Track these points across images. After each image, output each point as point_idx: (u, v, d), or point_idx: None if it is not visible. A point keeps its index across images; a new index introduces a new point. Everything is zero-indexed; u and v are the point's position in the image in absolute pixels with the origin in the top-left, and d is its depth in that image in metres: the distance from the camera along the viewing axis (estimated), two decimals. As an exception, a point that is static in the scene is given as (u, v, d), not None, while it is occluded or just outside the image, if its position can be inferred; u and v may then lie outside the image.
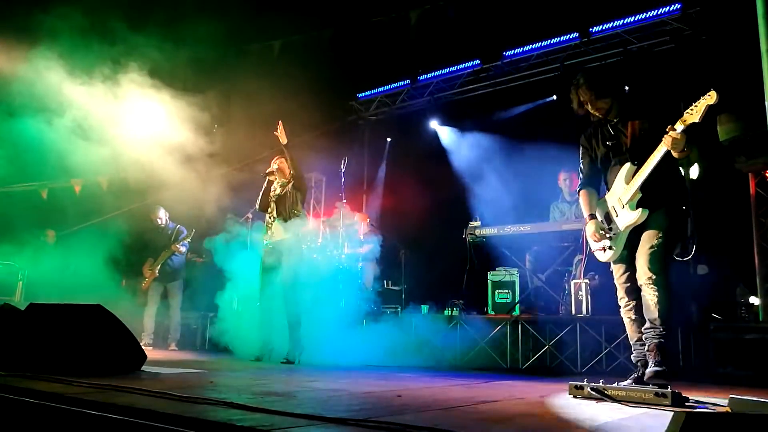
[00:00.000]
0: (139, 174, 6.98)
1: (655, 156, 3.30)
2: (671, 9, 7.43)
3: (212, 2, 7.65)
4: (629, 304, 3.53)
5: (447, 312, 6.35)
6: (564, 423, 2.25)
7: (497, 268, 6.51)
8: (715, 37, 7.13)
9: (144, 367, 3.93)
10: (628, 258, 3.52)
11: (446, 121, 10.08)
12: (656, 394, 2.75)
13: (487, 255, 6.67)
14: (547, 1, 7.59)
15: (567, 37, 8.27)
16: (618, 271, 3.59)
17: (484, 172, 8.97)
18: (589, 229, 3.64)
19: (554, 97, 8.86)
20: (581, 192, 3.82)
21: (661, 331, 3.23)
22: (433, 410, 2.46)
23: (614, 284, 3.66)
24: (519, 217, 6.82)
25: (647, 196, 3.41)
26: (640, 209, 3.39)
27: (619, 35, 8.03)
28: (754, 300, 5.91)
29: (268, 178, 5.96)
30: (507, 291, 6.37)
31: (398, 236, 8.82)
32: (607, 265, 3.73)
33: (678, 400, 2.73)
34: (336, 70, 9.34)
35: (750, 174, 6.11)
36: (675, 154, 3.23)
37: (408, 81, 9.85)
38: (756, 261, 6.01)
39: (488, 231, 6.48)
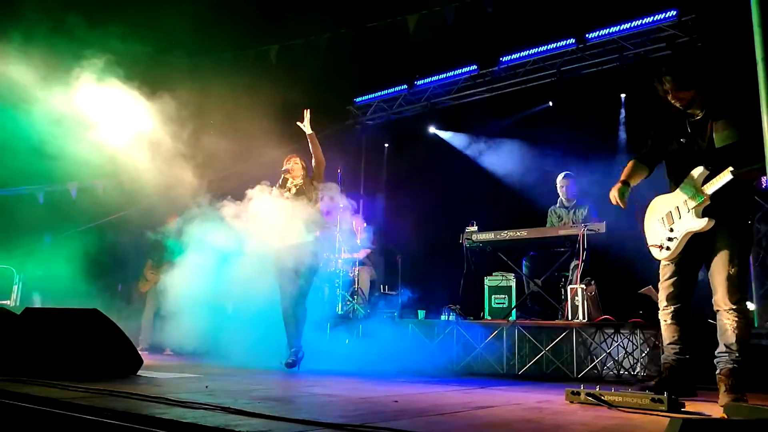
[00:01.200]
0: (135, 178, 6.95)
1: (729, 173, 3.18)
2: (667, 16, 7.48)
3: (209, 7, 7.66)
4: (668, 308, 3.53)
5: (443, 317, 6.35)
6: (561, 429, 2.25)
7: (494, 273, 6.52)
8: (710, 43, 7.17)
9: (140, 372, 3.92)
10: (681, 262, 3.48)
11: (443, 126, 10.10)
12: (653, 399, 2.76)
13: (483, 260, 6.68)
14: (544, 7, 7.63)
15: (564, 43, 8.32)
16: (666, 273, 3.55)
17: (482, 177, 9.01)
18: (614, 190, 3.65)
19: (550, 104, 8.90)
20: (633, 161, 3.77)
21: (736, 357, 3.22)
22: (429, 415, 2.46)
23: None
24: (516, 222, 6.84)
25: (715, 206, 3.31)
26: (707, 218, 3.30)
27: (615, 41, 8.08)
28: (750, 305, 5.93)
29: (283, 175, 5.63)
30: (503, 296, 6.39)
31: (395, 241, 8.82)
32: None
33: (674, 406, 2.73)
34: (333, 74, 9.36)
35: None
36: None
37: (405, 86, 9.88)
38: (751, 266, 6.03)
39: (485, 236, 6.49)
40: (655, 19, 7.57)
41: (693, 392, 3.39)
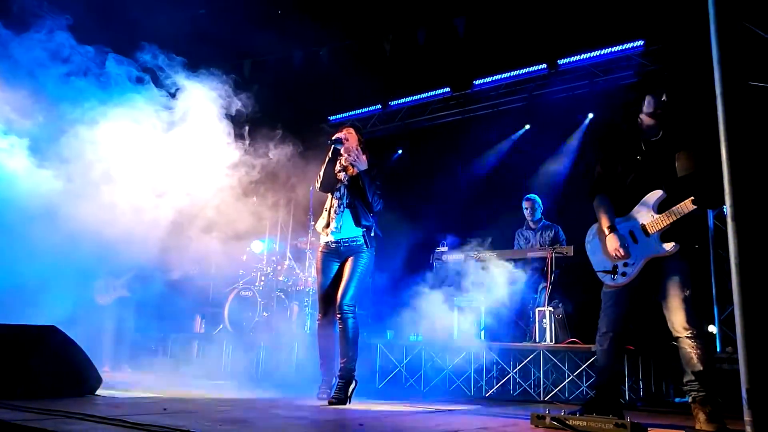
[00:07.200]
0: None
1: None
2: (635, 45, 7.68)
3: (185, 18, 7.60)
4: (608, 335, 3.48)
5: (412, 338, 6.32)
6: (524, 454, 2.24)
7: (463, 294, 6.52)
8: (675, 73, 7.37)
9: (99, 391, 3.81)
10: (634, 289, 3.42)
11: (416, 147, 10.15)
12: (616, 424, 2.76)
13: (452, 280, 6.68)
14: (517, 32, 7.76)
15: (535, 68, 8.46)
16: (610, 299, 3.48)
17: (452, 198, 9.05)
18: (612, 243, 3.43)
19: (527, 127, 9.01)
20: (600, 195, 3.61)
21: (707, 382, 3.15)
22: (393, 440, 2.43)
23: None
24: (484, 243, 6.87)
25: (674, 230, 3.31)
26: (672, 243, 3.28)
27: (585, 68, 8.25)
28: (712, 329, 6.04)
29: (334, 146, 4.37)
30: (472, 317, 6.38)
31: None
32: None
33: (637, 431, 2.74)
34: (307, 92, 9.35)
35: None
36: None
37: (379, 106, 9.92)
38: (714, 291, 6.16)
39: (454, 256, 6.50)
40: (623, 48, 7.76)
41: (621, 414, 3.34)
